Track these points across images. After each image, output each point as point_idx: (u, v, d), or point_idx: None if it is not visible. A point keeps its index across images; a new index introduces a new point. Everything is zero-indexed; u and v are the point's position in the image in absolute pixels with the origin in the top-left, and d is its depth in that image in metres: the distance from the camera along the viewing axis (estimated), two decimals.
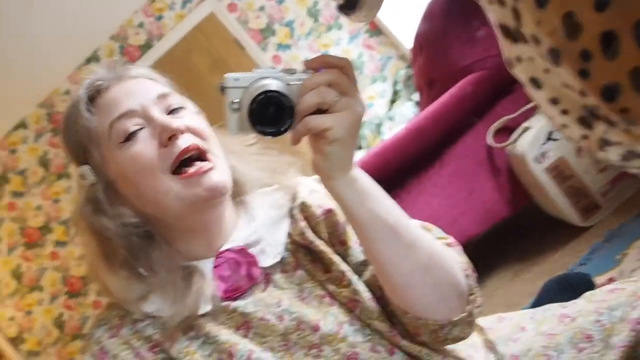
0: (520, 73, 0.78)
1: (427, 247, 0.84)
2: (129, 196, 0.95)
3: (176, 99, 0.98)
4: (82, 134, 0.96)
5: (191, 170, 0.91)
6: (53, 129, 4.87)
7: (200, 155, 0.93)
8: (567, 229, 2.17)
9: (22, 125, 4.90)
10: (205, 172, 0.91)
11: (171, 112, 0.96)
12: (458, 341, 0.90)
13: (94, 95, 0.97)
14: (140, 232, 0.95)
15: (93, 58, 4.72)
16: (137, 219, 0.95)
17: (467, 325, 0.88)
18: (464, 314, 0.86)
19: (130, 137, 0.92)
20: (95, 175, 0.96)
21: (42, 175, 4.95)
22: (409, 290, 0.84)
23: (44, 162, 4.93)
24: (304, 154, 1.00)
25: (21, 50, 4.06)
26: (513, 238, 2.57)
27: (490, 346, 1.00)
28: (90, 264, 0.98)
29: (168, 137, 0.91)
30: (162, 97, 0.96)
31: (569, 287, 1.43)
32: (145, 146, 0.92)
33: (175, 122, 0.92)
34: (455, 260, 0.88)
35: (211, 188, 0.91)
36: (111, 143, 0.93)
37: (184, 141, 0.92)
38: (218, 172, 0.93)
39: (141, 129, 0.93)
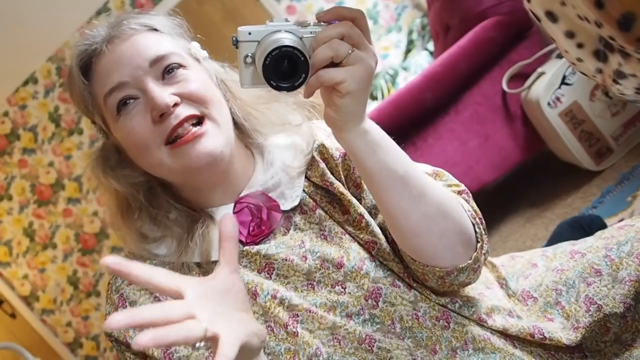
0: (537, 7, 0.79)
1: (436, 196, 0.85)
2: (132, 159, 0.95)
3: (174, 58, 0.93)
4: (83, 101, 0.95)
5: (179, 139, 0.89)
6: (63, 84, 4.70)
7: (198, 120, 0.91)
8: (580, 174, 2.20)
9: (32, 80, 4.80)
10: (192, 140, 0.88)
11: (168, 74, 0.92)
12: (464, 286, 0.92)
13: (88, 62, 0.94)
14: (145, 188, 0.96)
15: (103, 10, 4.62)
16: (142, 178, 0.96)
17: (472, 271, 0.88)
18: (470, 261, 0.87)
19: (121, 110, 0.90)
20: (103, 136, 0.98)
21: (52, 131, 4.86)
22: (417, 238, 0.85)
23: (55, 118, 4.84)
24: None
25: (31, 4, 4.03)
26: (526, 184, 2.60)
27: (502, 283, 1.03)
28: (109, 210, 0.99)
29: (159, 115, 0.88)
30: (156, 61, 0.91)
31: (581, 229, 1.44)
32: (139, 121, 0.89)
33: (166, 97, 0.88)
34: (464, 209, 0.88)
35: (199, 157, 0.88)
36: (108, 115, 0.93)
37: (176, 116, 0.89)
38: (211, 138, 0.90)
39: (134, 99, 0.90)
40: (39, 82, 4.79)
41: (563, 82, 2.09)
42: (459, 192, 0.93)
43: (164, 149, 0.89)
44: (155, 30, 0.96)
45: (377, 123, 0.84)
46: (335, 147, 1.00)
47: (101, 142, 1.01)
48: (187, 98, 0.90)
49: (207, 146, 0.89)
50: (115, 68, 0.91)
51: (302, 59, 0.73)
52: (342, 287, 0.92)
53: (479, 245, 0.88)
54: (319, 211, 0.97)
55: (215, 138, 0.90)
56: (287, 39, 0.74)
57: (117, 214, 0.98)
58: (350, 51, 0.74)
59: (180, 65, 0.93)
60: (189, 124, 0.89)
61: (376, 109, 2.27)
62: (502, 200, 2.60)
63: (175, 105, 0.89)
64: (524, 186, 2.59)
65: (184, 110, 0.89)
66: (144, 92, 0.89)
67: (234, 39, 0.77)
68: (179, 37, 0.99)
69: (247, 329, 0.66)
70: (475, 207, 0.92)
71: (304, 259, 0.93)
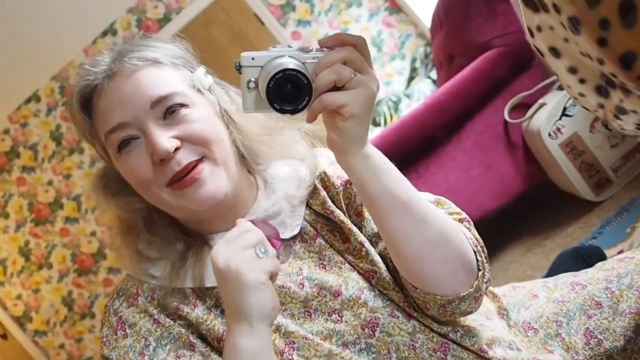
0: (540, 42, 0.81)
1: (438, 223, 0.85)
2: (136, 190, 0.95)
3: (177, 98, 0.92)
4: (83, 132, 0.96)
5: (179, 182, 0.89)
6: (66, 103, 4.69)
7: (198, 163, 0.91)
8: (579, 204, 2.21)
9: (34, 98, 4.83)
10: (191, 185, 0.89)
11: (170, 114, 0.91)
12: (465, 315, 0.91)
13: (89, 98, 0.93)
14: (145, 214, 0.97)
15: (109, 31, 4.67)
16: (143, 204, 0.96)
17: (474, 300, 0.88)
18: (472, 289, 0.86)
19: (122, 147, 0.90)
20: (105, 161, 0.98)
21: (53, 150, 4.91)
22: (419, 264, 0.85)
23: (56, 137, 4.86)
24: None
25: (37, 22, 4.07)
26: (527, 213, 2.61)
27: (503, 313, 1.03)
28: (109, 232, 1.01)
29: (159, 160, 0.88)
30: (157, 102, 0.90)
31: (581, 259, 1.45)
32: (139, 161, 0.90)
33: (166, 143, 0.88)
34: (465, 236, 0.88)
35: (199, 202, 0.90)
36: (109, 150, 0.93)
37: (178, 162, 0.89)
38: (211, 181, 0.90)
39: (136, 138, 0.90)
40: (41, 101, 4.82)
41: (564, 114, 2.12)
42: (460, 220, 0.94)
43: (166, 189, 0.90)
44: (159, 62, 0.95)
45: (381, 150, 0.85)
46: (336, 176, 1.00)
47: (102, 165, 1.01)
48: (187, 140, 0.90)
49: (208, 190, 0.90)
50: (116, 107, 0.90)
51: (306, 82, 0.74)
52: (339, 316, 0.92)
53: (480, 273, 0.88)
54: (319, 240, 0.98)
55: (215, 180, 0.91)
56: (290, 63, 0.75)
57: (117, 233, 0.99)
58: (352, 75, 0.76)
59: (182, 105, 0.92)
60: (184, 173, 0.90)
61: (379, 136, 2.29)
62: (503, 229, 2.60)
63: (177, 149, 0.89)
64: (525, 215, 2.60)
65: (185, 156, 0.89)
66: (145, 133, 0.90)
67: (237, 64, 0.78)
68: (183, 67, 0.98)
69: None
70: (477, 235, 0.93)
71: (301, 286, 0.94)
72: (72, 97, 0.95)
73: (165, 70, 0.95)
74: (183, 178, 0.89)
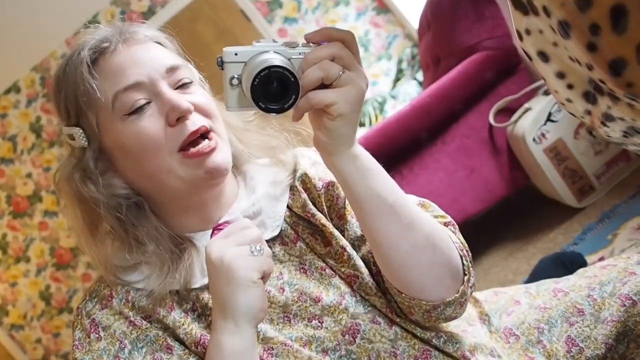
0: (529, 46, 0.80)
1: (425, 227, 0.83)
2: (123, 167, 0.91)
3: (185, 72, 0.93)
4: (79, 97, 0.89)
5: (194, 149, 0.87)
6: (46, 94, 4.66)
7: (205, 134, 0.89)
8: (562, 210, 2.22)
9: (14, 88, 4.74)
10: (208, 152, 0.87)
11: (180, 86, 0.91)
12: (450, 320, 0.90)
13: (98, 58, 0.90)
14: (130, 203, 0.91)
15: (93, 22, 4.60)
16: (128, 190, 0.91)
17: (459, 305, 0.86)
18: (457, 294, 0.85)
19: (136, 111, 0.87)
20: (87, 140, 0.91)
21: (33, 142, 4.80)
22: (405, 269, 0.83)
23: (36, 128, 4.79)
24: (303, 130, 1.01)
25: (19, 12, 4.00)
26: (509, 218, 2.61)
27: (484, 319, 1.02)
28: (76, 231, 0.94)
29: (177, 117, 0.87)
30: (172, 70, 0.90)
31: (563, 265, 1.46)
32: (151, 123, 0.87)
33: (184, 102, 0.87)
34: (451, 241, 0.87)
35: (212, 170, 0.88)
36: (114, 113, 0.88)
37: (193, 122, 0.87)
38: (220, 152, 0.89)
39: (148, 102, 0.88)
40: (21, 91, 4.75)
41: (549, 119, 2.13)
42: (445, 224, 0.92)
43: (176, 155, 0.87)
44: (162, 44, 0.96)
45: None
46: (318, 177, 0.97)
47: (75, 151, 0.93)
48: (197, 110, 0.89)
49: (221, 160, 0.89)
50: (132, 66, 0.89)
51: (293, 79, 0.71)
52: (319, 322, 0.90)
53: (466, 278, 0.87)
54: (300, 244, 0.95)
55: (224, 151, 0.91)
56: (276, 59, 0.72)
57: (84, 237, 0.93)
58: (340, 72, 0.73)
59: (192, 82, 0.93)
60: (198, 136, 0.89)
61: (364, 137, 2.28)
62: (485, 233, 2.61)
63: (191, 112, 0.88)
64: (508, 219, 2.61)
65: (199, 120, 0.89)
66: (159, 95, 0.88)
67: (219, 59, 0.75)
68: (181, 57, 0.98)
69: None
70: (462, 239, 0.92)
71: (281, 290, 0.91)
72: (76, 55, 0.91)
73: (171, 51, 0.97)
74: (198, 144, 0.88)
